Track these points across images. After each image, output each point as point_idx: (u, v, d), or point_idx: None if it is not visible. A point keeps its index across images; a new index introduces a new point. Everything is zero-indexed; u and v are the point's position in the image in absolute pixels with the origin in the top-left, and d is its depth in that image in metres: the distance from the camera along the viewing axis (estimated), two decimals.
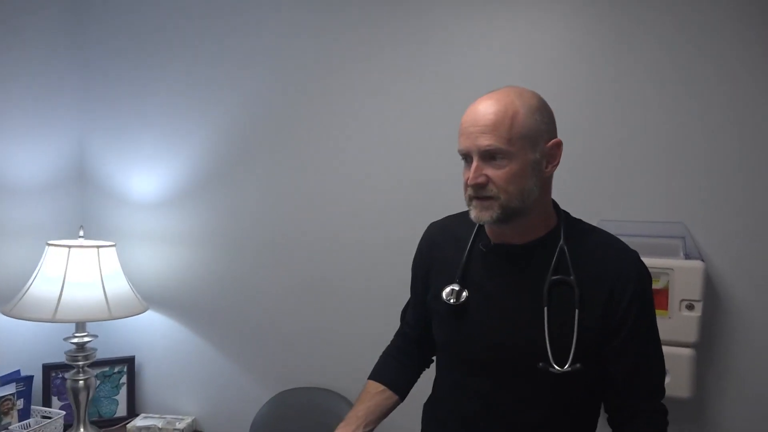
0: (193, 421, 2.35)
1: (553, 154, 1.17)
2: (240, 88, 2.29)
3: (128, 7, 2.43)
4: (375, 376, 1.44)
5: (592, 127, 1.87)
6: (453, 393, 1.31)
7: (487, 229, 1.25)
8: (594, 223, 1.29)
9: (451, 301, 1.23)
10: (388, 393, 1.40)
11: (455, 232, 1.32)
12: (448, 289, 1.25)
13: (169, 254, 2.43)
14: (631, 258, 1.19)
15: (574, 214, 1.28)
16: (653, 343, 1.20)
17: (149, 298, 2.39)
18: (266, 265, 2.29)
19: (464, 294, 1.23)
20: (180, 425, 2.28)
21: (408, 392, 1.45)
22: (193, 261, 2.39)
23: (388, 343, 1.52)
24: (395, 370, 1.44)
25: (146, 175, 2.45)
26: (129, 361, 2.46)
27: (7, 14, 2.23)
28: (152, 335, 2.47)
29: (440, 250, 1.33)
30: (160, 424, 2.28)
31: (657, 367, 1.22)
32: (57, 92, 2.44)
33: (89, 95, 2.52)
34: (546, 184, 1.19)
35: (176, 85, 2.38)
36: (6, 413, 2.17)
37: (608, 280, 1.15)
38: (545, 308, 1.14)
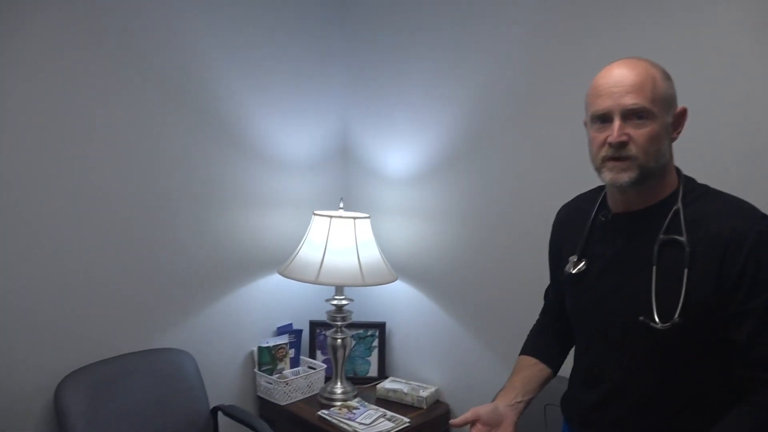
0: (436, 390, 2.42)
1: (679, 120, 1.21)
2: (486, 66, 2.22)
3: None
4: (526, 350, 1.50)
5: None
6: (580, 362, 1.38)
7: (609, 199, 1.30)
8: None
9: (572, 271, 1.31)
10: (541, 366, 1.44)
11: (581, 208, 1.38)
12: (570, 261, 1.32)
13: (418, 228, 2.50)
14: (752, 217, 1.14)
15: None
16: None
17: (399, 268, 2.51)
18: (511, 244, 2.21)
19: (582, 263, 1.29)
20: (423, 393, 2.35)
21: (560, 366, 1.48)
22: (440, 235, 2.43)
23: None
24: (544, 344, 1.50)
25: (400, 153, 2.56)
26: (380, 327, 2.62)
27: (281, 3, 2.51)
28: (401, 304, 2.59)
29: (569, 228, 1.39)
30: (405, 389, 2.39)
31: None
32: (325, 77, 2.68)
33: (351, 79, 2.72)
34: (671, 149, 1.22)
35: (427, 67, 2.42)
36: (281, 359, 2.50)
37: (724, 239, 1.11)
38: (654, 267, 1.16)
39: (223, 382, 2.41)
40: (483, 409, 1.30)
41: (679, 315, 1.12)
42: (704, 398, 1.17)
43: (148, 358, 2.13)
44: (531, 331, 1.58)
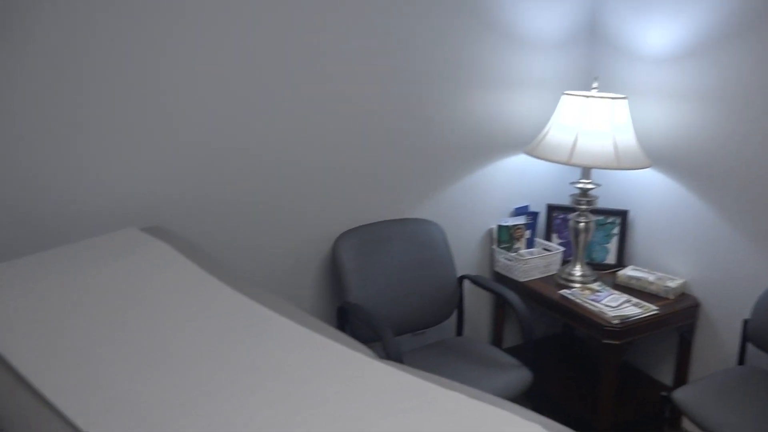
0: (683, 283, 2.33)
1: None
2: None
3: None
4: None
5: None
6: None
7: None
8: None
9: None
10: None
11: None
12: None
13: (678, 111, 2.31)
14: None
15: None
16: None
17: (651, 154, 2.37)
18: None
19: None
20: (671, 284, 2.28)
21: None
22: (702, 120, 2.23)
23: None
24: None
25: (661, 26, 2.33)
26: (622, 214, 2.54)
27: None
28: (648, 192, 2.47)
29: None
30: (650, 278, 2.33)
31: None
32: None
33: None
34: None
35: None
36: (518, 239, 2.56)
37: None
38: None
39: (464, 255, 2.55)
40: None
41: None
42: None
43: (405, 226, 2.31)
44: None
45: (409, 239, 2.29)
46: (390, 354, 1.81)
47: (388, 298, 2.19)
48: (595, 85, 2.34)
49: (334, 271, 2.23)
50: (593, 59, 2.63)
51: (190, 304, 1.46)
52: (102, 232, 1.83)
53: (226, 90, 1.94)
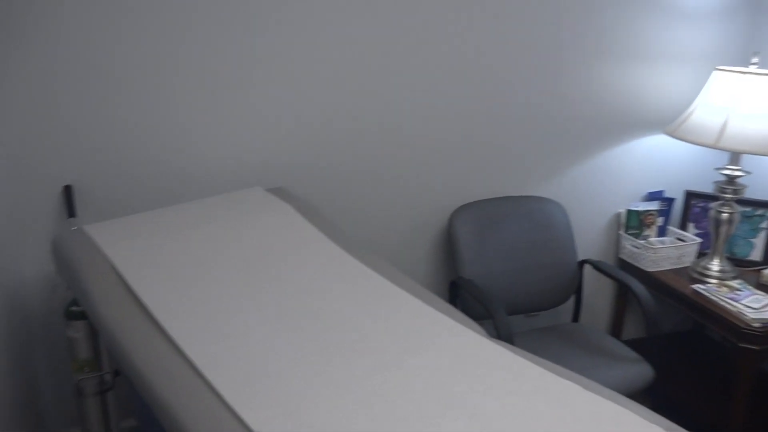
0: None
1: None
2: None
3: None
4: None
5: None
6: None
7: None
8: None
9: None
10: None
11: None
12: None
13: None
14: None
15: None
16: None
17: None
18: None
19: None
20: None
21: None
22: None
23: None
24: None
25: None
26: None
27: None
28: None
29: None
30: None
31: None
32: None
33: None
34: None
35: None
36: (648, 226, 2.38)
37: None
38: None
39: (587, 238, 2.42)
40: None
41: None
42: None
43: (525, 204, 2.22)
44: None
45: (529, 217, 2.21)
46: (501, 333, 1.76)
47: (502, 276, 2.14)
48: (754, 60, 2.08)
49: (448, 245, 2.20)
50: (754, 31, 2.34)
51: (309, 265, 1.50)
52: (231, 190, 1.94)
53: (355, 61, 1.95)
